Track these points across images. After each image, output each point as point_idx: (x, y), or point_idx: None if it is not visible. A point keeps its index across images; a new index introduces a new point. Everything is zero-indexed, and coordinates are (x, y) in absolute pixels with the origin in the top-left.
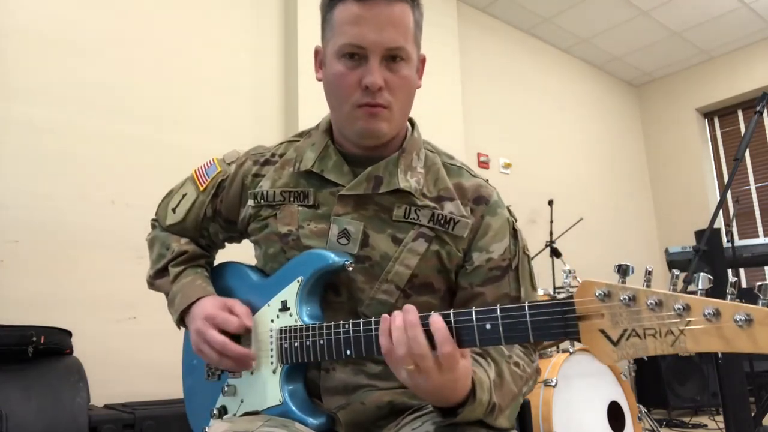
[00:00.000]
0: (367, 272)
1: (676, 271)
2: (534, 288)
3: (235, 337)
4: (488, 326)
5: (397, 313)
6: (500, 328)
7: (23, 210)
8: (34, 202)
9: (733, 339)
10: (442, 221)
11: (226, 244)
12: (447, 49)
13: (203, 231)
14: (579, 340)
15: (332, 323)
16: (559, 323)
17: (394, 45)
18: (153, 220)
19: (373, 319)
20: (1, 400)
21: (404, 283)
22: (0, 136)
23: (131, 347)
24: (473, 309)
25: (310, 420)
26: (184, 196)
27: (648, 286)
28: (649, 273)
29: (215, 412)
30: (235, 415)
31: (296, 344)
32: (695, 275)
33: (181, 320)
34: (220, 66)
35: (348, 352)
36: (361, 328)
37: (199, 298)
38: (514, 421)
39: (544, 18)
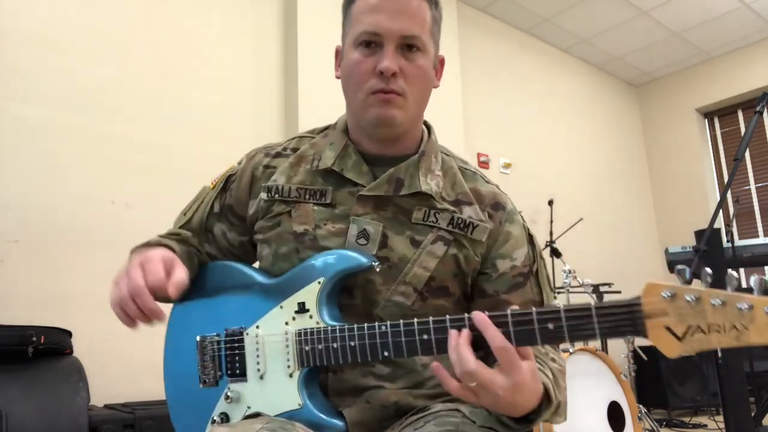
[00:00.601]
0: (386, 274)
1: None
2: (552, 290)
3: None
4: (551, 326)
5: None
6: (565, 329)
7: (23, 210)
8: (34, 202)
9: None
10: (461, 225)
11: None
12: (447, 49)
13: (208, 234)
14: (646, 336)
15: (365, 324)
16: (627, 322)
17: (409, 33)
18: None
19: (416, 320)
20: (1, 400)
21: (422, 285)
22: (0, 136)
23: (131, 347)
24: (534, 309)
25: (336, 422)
26: (196, 200)
27: (709, 287)
28: (710, 275)
29: (216, 419)
30: None
31: (320, 347)
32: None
33: None
34: (220, 66)
35: (386, 354)
36: (402, 329)
37: (155, 245)
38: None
39: (544, 18)
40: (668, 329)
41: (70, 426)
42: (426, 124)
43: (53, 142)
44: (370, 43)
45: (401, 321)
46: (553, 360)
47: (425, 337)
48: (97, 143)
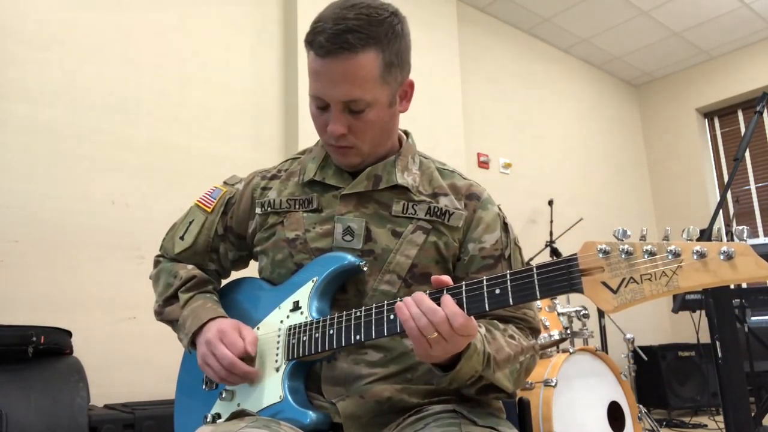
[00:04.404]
0: (371, 265)
1: (668, 228)
2: None
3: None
4: (498, 291)
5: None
6: (509, 291)
7: (23, 210)
8: (34, 202)
9: (718, 271)
10: (438, 213)
11: (232, 272)
12: (447, 49)
13: (213, 254)
14: (582, 292)
15: (343, 313)
16: (563, 278)
17: (350, 98)
18: (157, 256)
19: (385, 302)
20: (1, 400)
21: (405, 272)
22: (0, 136)
23: (131, 347)
24: (484, 277)
25: (310, 413)
26: (191, 222)
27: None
28: (645, 231)
29: (209, 418)
30: None
31: (304, 338)
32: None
33: (192, 344)
34: (220, 66)
35: (358, 337)
36: (373, 311)
37: (211, 319)
38: (517, 389)
39: (544, 18)
40: (604, 284)
41: (70, 426)
42: (405, 132)
43: (53, 142)
44: (320, 101)
45: (374, 305)
46: (511, 336)
47: (391, 317)
48: (97, 143)
